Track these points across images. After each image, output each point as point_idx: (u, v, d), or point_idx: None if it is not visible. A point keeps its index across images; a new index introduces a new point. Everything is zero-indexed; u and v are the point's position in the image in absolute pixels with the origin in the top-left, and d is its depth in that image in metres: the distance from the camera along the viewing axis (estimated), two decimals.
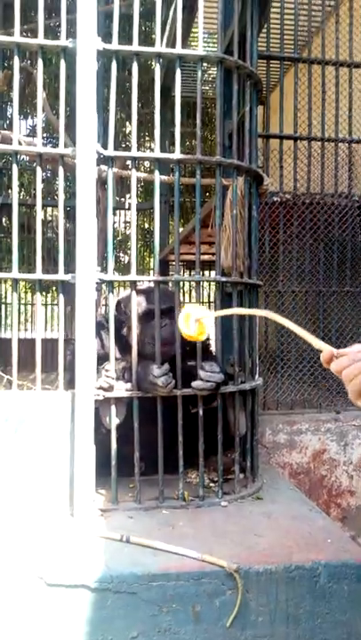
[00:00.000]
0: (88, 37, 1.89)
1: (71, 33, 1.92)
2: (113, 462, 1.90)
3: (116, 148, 1.99)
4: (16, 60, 1.95)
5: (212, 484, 2.13)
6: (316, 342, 1.13)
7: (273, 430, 2.91)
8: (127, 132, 6.36)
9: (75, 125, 1.89)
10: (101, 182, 2.17)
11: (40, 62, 1.98)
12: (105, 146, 1.97)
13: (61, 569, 1.49)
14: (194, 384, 1.95)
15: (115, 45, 1.96)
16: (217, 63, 2.08)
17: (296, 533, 1.76)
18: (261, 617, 1.54)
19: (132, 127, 2.03)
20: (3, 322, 6.25)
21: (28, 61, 5.43)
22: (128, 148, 2.02)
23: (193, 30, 4.65)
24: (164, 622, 1.48)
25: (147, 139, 6.64)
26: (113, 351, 1.96)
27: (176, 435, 1.94)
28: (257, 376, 2.28)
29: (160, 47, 2.02)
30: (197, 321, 1.47)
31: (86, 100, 1.88)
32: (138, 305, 2.04)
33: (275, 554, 1.61)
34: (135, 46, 1.98)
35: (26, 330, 7.23)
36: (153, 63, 2.03)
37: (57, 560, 1.54)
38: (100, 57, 1.96)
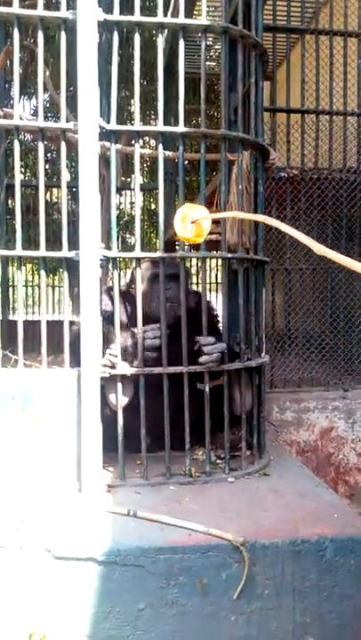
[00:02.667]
0: (89, 8, 1.85)
1: (72, 6, 1.88)
2: (120, 439, 1.91)
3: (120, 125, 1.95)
4: (16, 33, 1.91)
5: (218, 461, 2.13)
6: (318, 247, 1.02)
7: (280, 408, 2.91)
8: (132, 110, 6.27)
9: (77, 101, 1.86)
10: (105, 160, 2.14)
11: (40, 35, 1.93)
12: (108, 121, 1.93)
13: (69, 542, 1.51)
14: (201, 359, 1.95)
15: (116, 16, 1.91)
16: (221, 33, 2.02)
17: (303, 509, 1.77)
18: (268, 590, 1.55)
19: (135, 101, 1.99)
20: (10, 305, 6.28)
21: (31, 40, 5.34)
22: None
23: (197, 5, 4.54)
24: (170, 595, 1.50)
25: (152, 116, 6.54)
26: (119, 331, 1.95)
27: (182, 411, 1.94)
28: (263, 353, 2.27)
29: (162, 17, 1.97)
30: (195, 222, 1.40)
31: (87, 73, 1.85)
32: (146, 269, 2.25)
33: (281, 528, 1.62)
34: (137, 16, 1.93)
35: (33, 313, 7.24)
36: (156, 36, 1.98)
37: (65, 534, 1.55)
38: (101, 29, 1.92)
